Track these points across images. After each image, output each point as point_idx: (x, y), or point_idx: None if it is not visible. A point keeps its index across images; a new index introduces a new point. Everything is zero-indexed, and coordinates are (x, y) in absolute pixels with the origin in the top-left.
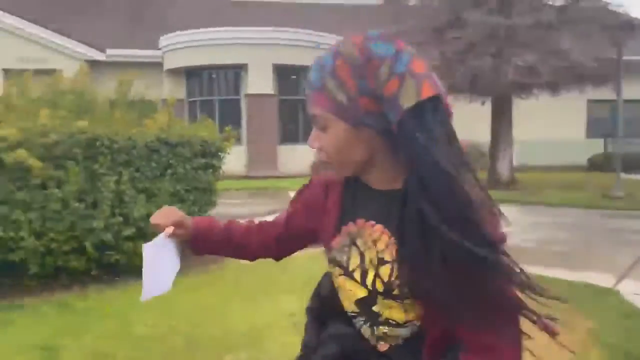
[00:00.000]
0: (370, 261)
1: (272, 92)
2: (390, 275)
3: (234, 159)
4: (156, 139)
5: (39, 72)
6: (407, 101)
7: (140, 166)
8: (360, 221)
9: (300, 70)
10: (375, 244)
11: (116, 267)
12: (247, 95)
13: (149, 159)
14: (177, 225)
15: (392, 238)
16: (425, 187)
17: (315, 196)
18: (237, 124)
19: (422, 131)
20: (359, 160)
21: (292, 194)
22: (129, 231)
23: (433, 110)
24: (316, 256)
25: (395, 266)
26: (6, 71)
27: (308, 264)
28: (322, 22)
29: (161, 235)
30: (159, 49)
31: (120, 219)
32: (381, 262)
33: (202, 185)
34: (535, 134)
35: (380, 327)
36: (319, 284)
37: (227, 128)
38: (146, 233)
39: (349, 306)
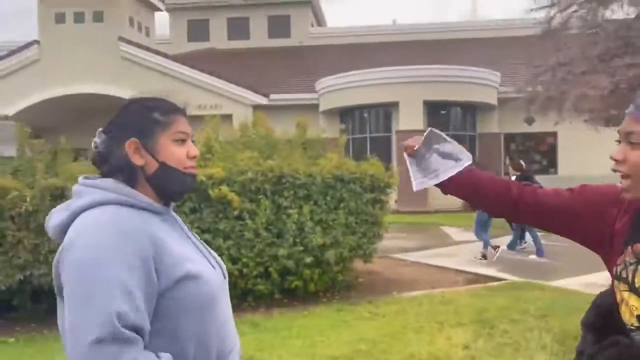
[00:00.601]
0: None
1: (422, 127)
2: None
3: None
4: (332, 176)
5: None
6: None
7: (318, 200)
8: None
9: (451, 106)
10: None
11: (295, 291)
12: (398, 132)
13: (325, 194)
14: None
15: None
16: None
17: (602, 202)
18: (387, 159)
19: None
20: None
21: (443, 229)
22: (308, 259)
23: None
24: (479, 293)
25: None
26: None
27: (472, 300)
28: (474, 56)
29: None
30: (316, 92)
31: (301, 247)
32: None
33: (371, 218)
34: None
35: None
36: (597, 300)
37: (390, 165)
38: (322, 261)
39: (630, 319)
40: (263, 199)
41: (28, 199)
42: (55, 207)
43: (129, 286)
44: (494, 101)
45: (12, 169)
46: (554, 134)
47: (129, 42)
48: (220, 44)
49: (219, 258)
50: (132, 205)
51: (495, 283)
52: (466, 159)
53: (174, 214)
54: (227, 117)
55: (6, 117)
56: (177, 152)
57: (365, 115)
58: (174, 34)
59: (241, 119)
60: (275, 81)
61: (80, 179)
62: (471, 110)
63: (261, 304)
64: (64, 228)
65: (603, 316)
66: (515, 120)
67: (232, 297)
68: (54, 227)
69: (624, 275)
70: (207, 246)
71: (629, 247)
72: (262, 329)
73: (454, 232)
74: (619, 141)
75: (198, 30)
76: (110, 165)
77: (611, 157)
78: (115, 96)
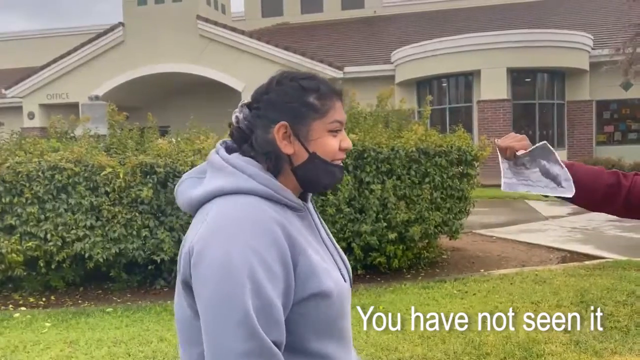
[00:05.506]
0: None
1: (506, 97)
2: None
3: None
4: (416, 149)
5: None
6: None
7: (402, 175)
8: None
9: (537, 72)
10: None
11: (378, 268)
12: (480, 102)
13: (409, 168)
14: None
15: None
16: None
17: None
18: (468, 131)
19: None
20: None
21: (529, 203)
22: (391, 235)
23: None
24: (576, 272)
25: None
26: None
27: (569, 280)
28: (562, 17)
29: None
30: (391, 62)
31: (385, 224)
32: None
33: (458, 193)
34: None
35: None
36: None
37: (482, 137)
38: (406, 237)
39: None
40: (345, 174)
41: (121, 175)
42: (144, 182)
43: (271, 297)
44: (585, 66)
45: (105, 146)
46: None
47: (207, 20)
48: (294, 18)
49: (347, 262)
50: (275, 200)
51: (594, 261)
52: (569, 191)
53: (310, 206)
54: None
55: (97, 97)
56: (331, 143)
57: (444, 85)
58: (249, 9)
59: None
60: (349, 53)
61: (221, 148)
62: (559, 76)
63: None
64: (199, 204)
65: None
66: (609, 86)
67: None
68: (189, 201)
69: None
70: (338, 247)
71: None
72: None
73: (541, 207)
74: None
75: (272, 5)
76: (253, 146)
77: None
78: (194, 74)
